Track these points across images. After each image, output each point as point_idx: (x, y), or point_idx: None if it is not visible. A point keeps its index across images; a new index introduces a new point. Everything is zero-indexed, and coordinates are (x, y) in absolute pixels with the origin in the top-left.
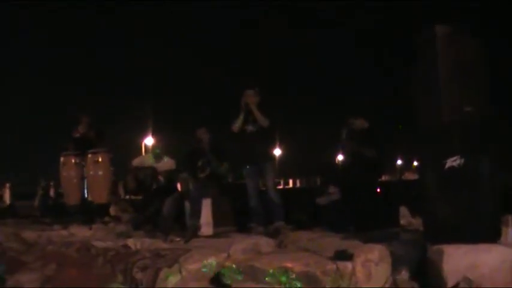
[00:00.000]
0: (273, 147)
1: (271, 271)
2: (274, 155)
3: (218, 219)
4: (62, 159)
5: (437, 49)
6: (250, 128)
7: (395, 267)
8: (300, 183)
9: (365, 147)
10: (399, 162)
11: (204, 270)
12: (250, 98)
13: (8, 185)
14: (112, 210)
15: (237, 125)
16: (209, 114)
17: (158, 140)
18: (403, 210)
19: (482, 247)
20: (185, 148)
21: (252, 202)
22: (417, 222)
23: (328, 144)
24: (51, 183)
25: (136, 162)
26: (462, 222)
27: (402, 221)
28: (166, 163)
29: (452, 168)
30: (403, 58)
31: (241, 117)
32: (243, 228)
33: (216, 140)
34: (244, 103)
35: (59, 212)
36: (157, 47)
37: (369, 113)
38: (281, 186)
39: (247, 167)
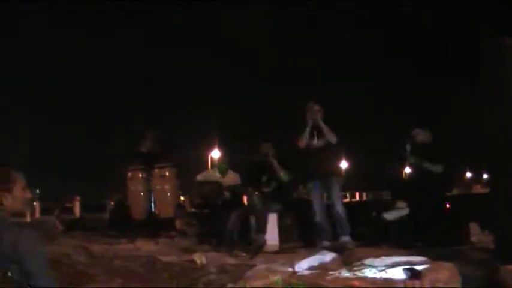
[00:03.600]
0: (339, 161)
1: None
2: (341, 170)
3: (284, 234)
4: (129, 174)
5: (504, 61)
6: (316, 143)
7: (464, 287)
8: (367, 196)
9: (430, 161)
10: (468, 174)
11: (270, 286)
12: (317, 113)
13: (78, 197)
14: (178, 224)
15: (303, 140)
16: (275, 128)
17: (224, 154)
18: (474, 227)
19: None
20: (250, 162)
21: (318, 217)
22: (488, 240)
23: (394, 157)
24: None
25: (200, 177)
26: None
27: (473, 238)
28: (232, 177)
29: None
30: (467, 67)
31: (307, 132)
32: (309, 243)
33: (281, 155)
34: (312, 118)
35: (127, 226)
36: (221, 57)
37: (434, 124)
38: (347, 200)
39: (313, 181)
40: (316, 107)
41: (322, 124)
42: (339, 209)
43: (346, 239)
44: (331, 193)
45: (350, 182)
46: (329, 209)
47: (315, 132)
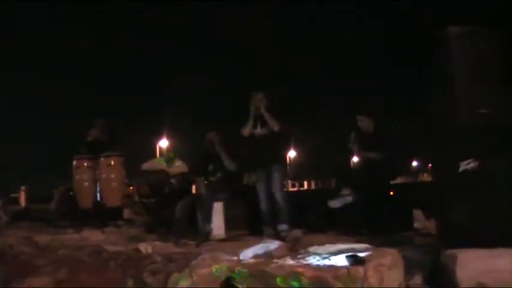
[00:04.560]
0: (285, 149)
1: (282, 276)
2: (284, 158)
3: (230, 222)
4: (74, 162)
5: (451, 49)
6: (259, 131)
7: (408, 272)
8: (315, 185)
9: (373, 150)
10: (415, 163)
11: (214, 274)
12: (260, 101)
13: (23, 187)
14: (126, 214)
15: (246, 129)
16: (223, 117)
17: (171, 143)
18: (417, 214)
19: (497, 252)
20: (197, 151)
21: (263, 205)
22: (431, 226)
23: (343, 145)
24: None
25: (146, 166)
26: (477, 226)
27: (416, 225)
28: (178, 167)
29: (466, 171)
30: (418, 56)
31: (251, 121)
32: (255, 232)
33: (227, 144)
34: (254, 107)
35: (74, 216)
36: (169, 45)
37: (381, 112)
38: (296, 188)
39: (258, 170)
40: (259, 96)
41: (264, 112)
42: (278, 196)
43: (282, 227)
44: (272, 181)
45: (300, 170)
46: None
47: (259, 121)
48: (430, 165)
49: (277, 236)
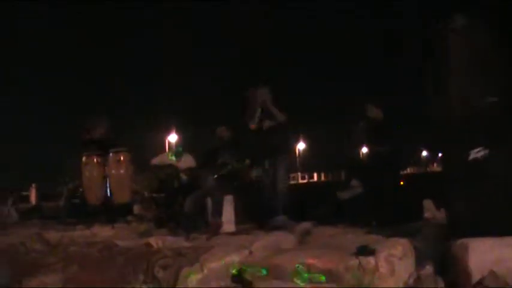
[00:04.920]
0: (291, 141)
1: (294, 268)
2: (290, 149)
3: (240, 216)
4: (83, 159)
5: (451, 41)
6: (267, 123)
7: (419, 262)
8: (325, 177)
9: (382, 140)
10: (424, 153)
11: (225, 267)
12: (265, 95)
13: (34, 185)
14: (136, 209)
15: (254, 123)
16: (232, 111)
17: (180, 138)
18: (428, 204)
19: (508, 241)
20: (206, 146)
21: (271, 198)
22: (442, 216)
23: (352, 136)
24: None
25: (156, 161)
26: (487, 215)
27: (426, 215)
28: (187, 161)
29: (476, 160)
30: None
31: (257, 114)
32: (264, 224)
33: (236, 138)
34: (261, 101)
35: (83, 212)
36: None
37: (389, 103)
38: (305, 180)
39: (266, 162)
40: (263, 90)
41: (270, 106)
42: (278, 187)
43: (279, 218)
44: (276, 172)
45: (309, 161)
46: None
47: (266, 115)
48: (440, 154)
49: (276, 228)
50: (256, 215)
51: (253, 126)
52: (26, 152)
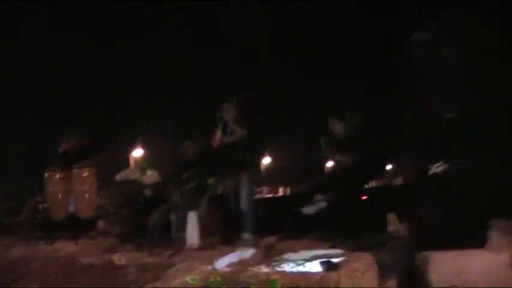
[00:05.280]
0: (256, 156)
1: (256, 283)
2: (254, 164)
3: (205, 231)
4: (46, 174)
5: (418, 54)
6: (228, 139)
7: (382, 276)
8: (290, 191)
9: (345, 154)
10: (390, 166)
11: (189, 284)
12: (226, 111)
13: None
14: (100, 224)
15: (215, 139)
16: (199, 126)
17: (145, 153)
18: (391, 217)
19: (469, 253)
20: (171, 160)
21: (236, 213)
22: (405, 229)
23: (316, 150)
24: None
25: (120, 176)
26: (448, 228)
27: (390, 228)
28: (151, 176)
29: (436, 174)
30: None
31: (219, 130)
32: (229, 240)
33: (202, 153)
34: (219, 117)
35: (46, 228)
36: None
37: (355, 115)
38: (271, 195)
39: (230, 178)
40: (225, 105)
41: (230, 122)
42: (243, 204)
43: (246, 236)
44: (240, 188)
45: (275, 176)
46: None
47: (228, 130)
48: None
49: (261, 248)
50: (221, 230)
51: (214, 143)
52: None
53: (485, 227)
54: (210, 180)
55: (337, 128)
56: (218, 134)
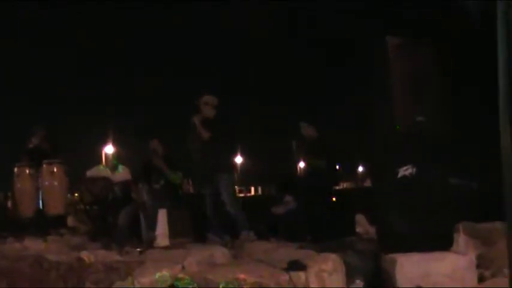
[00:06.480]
0: (229, 157)
1: (224, 283)
2: (230, 165)
3: (174, 230)
4: (15, 170)
5: (389, 59)
6: (200, 141)
7: (349, 277)
8: (261, 191)
9: (315, 157)
10: (360, 169)
11: (157, 282)
12: (197, 116)
13: None
14: (70, 222)
15: (190, 141)
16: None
17: (115, 150)
18: (360, 218)
19: (435, 255)
20: (141, 158)
21: (208, 212)
22: (374, 231)
23: (288, 152)
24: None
25: (90, 173)
26: (415, 230)
27: (359, 230)
28: (121, 174)
29: (404, 177)
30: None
31: (193, 133)
32: (199, 239)
33: (169, 151)
34: (192, 121)
35: (14, 224)
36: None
37: (325, 118)
38: (243, 194)
39: (203, 178)
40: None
41: (198, 126)
42: (230, 207)
43: (246, 233)
44: (221, 191)
45: (247, 176)
46: (221, 204)
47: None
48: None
49: (222, 242)
50: (191, 229)
51: (189, 146)
52: None
53: (451, 229)
54: (179, 179)
55: (308, 131)
56: (191, 137)
